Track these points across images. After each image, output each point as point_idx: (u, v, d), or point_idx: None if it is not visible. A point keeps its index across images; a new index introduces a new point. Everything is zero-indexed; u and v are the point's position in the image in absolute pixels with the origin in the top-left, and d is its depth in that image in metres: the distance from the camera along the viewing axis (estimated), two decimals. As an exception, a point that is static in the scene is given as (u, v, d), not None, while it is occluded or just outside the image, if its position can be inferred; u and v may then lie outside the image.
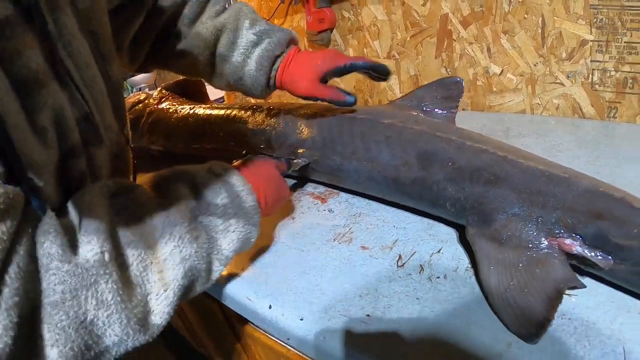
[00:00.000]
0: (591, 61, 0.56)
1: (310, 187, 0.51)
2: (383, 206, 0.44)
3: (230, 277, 0.38)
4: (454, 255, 0.36)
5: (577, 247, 0.30)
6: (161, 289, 0.25)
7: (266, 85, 0.45)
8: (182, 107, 0.60)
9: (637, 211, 0.30)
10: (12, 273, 0.19)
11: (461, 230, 0.38)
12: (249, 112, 0.54)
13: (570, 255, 0.30)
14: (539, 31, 0.57)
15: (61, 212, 0.24)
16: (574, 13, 0.55)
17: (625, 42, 0.53)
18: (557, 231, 0.31)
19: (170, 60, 0.47)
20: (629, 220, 0.29)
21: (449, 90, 0.46)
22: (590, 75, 0.57)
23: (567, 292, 0.30)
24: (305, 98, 0.44)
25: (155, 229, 0.26)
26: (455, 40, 0.64)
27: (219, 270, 0.30)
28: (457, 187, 0.36)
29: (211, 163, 0.33)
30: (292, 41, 0.45)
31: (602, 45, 0.55)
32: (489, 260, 0.32)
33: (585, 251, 0.30)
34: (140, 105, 0.62)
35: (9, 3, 0.21)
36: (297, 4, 0.73)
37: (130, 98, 0.65)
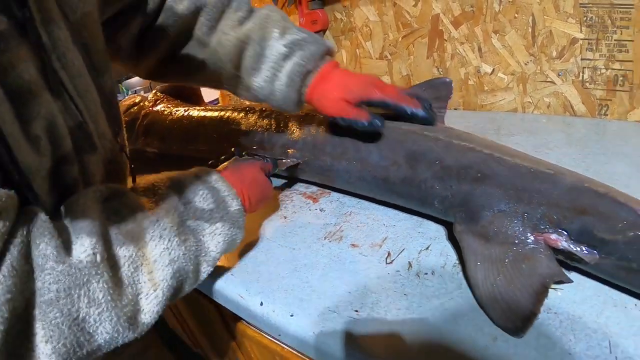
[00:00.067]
0: (582, 59, 0.57)
1: (302, 187, 0.51)
2: (374, 205, 0.45)
3: (223, 275, 0.38)
4: (442, 252, 0.36)
5: (562, 242, 0.30)
6: (151, 289, 0.26)
7: (298, 101, 0.42)
8: (177, 109, 0.61)
9: (622, 206, 0.30)
10: (5, 272, 0.19)
11: (449, 228, 0.38)
12: (242, 114, 0.54)
13: (556, 251, 0.31)
14: (530, 30, 0.58)
15: (55, 215, 0.25)
16: (563, 12, 0.55)
17: (615, 40, 0.54)
18: (542, 227, 0.31)
19: (192, 72, 0.44)
20: (614, 215, 0.30)
21: (438, 91, 0.46)
22: (580, 74, 0.58)
23: (554, 286, 0.31)
24: (330, 120, 0.42)
25: (145, 232, 0.27)
26: (446, 40, 0.65)
27: (206, 271, 0.31)
28: (444, 185, 0.36)
29: (198, 169, 0.34)
30: (327, 52, 0.42)
31: (593, 43, 0.56)
32: (476, 256, 0.32)
33: (571, 246, 0.30)
34: (136, 107, 0.63)
35: (3, 17, 0.22)
36: (290, 6, 0.74)
37: (126, 101, 0.66)
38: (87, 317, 0.22)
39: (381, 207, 0.44)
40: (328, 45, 0.42)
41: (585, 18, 0.55)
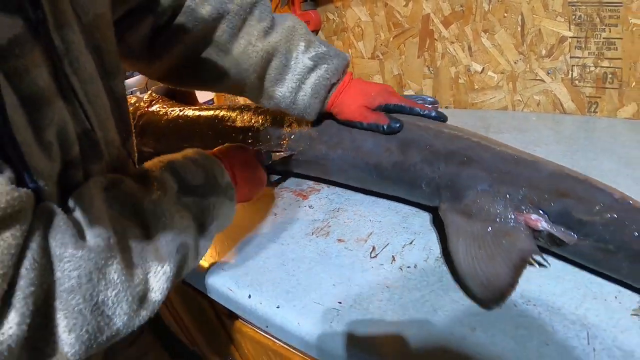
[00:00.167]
0: (570, 57, 0.57)
1: (293, 185, 0.52)
2: (361, 202, 0.46)
3: (215, 270, 0.39)
4: (425, 246, 0.37)
5: (542, 223, 0.31)
6: (158, 266, 0.27)
7: (320, 109, 0.44)
8: (172, 109, 0.62)
9: (599, 190, 0.32)
10: (28, 265, 0.20)
11: (435, 213, 0.39)
12: (236, 112, 0.56)
13: (536, 233, 0.32)
14: (519, 29, 0.59)
15: (63, 209, 0.25)
16: (552, 10, 0.56)
17: (604, 38, 0.55)
18: (523, 207, 0.32)
19: (210, 79, 0.44)
20: (592, 198, 0.31)
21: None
22: (570, 72, 0.58)
23: (532, 261, 0.32)
24: (349, 124, 0.44)
25: (146, 213, 0.28)
26: (437, 40, 0.65)
27: (205, 246, 0.32)
28: (432, 168, 0.38)
29: (187, 150, 0.35)
30: (347, 65, 0.44)
31: (581, 41, 0.56)
32: (459, 232, 0.33)
33: (551, 227, 0.31)
34: (131, 108, 0.64)
35: (19, 19, 0.21)
36: (283, 7, 0.75)
37: (123, 101, 0.67)
38: (105, 299, 0.23)
39: (368, 204, 0.45)
40: (348, 58, 0.44)
41: (574, 16, 0.55)
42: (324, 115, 0.46)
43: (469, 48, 0.63)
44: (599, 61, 0.56)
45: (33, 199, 0.22)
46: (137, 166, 0.38)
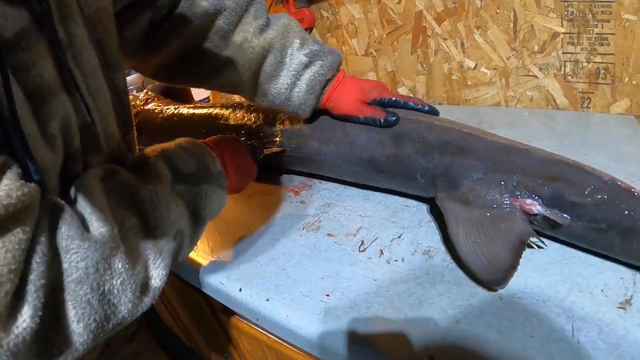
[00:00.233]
0: (563, 53, 0.57)
1: (285, 181, 0.53)
2: (351, 197, 0.46)
3: (207, 265, 0.40)
4: (413, 240, 0.37)
5: (537, 207, 0.33)
6: (157, 254, 0.27)
7: (315, 106, 0.45)
8: (167, 107, 0.63)
9: (589, 174, 0.33)
10: (37, 259, 0.20)
11: (432, 203, 0.40)
12: (230, 110, 0.56)
13: (531, 217, 0.33)
14: (511, 25, 0.59)
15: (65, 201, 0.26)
16: (544, 6, 0.56)
17: (596, 34, 0.55)
18: (518, 193, 0.34)
19: (204, 75, 0.44)
20: (582, 181, 0.32)
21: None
22: (562, 67, 0.58)
23: (530, 243, 0.33)
24: (345, 118, 0.44)
25: (143, 203, 0.28)
26: (430, 37, 0.66)
27: (199, 232, 0.33)
28: (426, 159, 0.39)
29: (179, 139, 0.35)
30: (340, 63, 0.45)
31: (574, 37, 0.56)
32: (457, 219, 0.34)
33: (545, 210, 0.32)
34: (128, 106, 0.65)
35: (25, 11, 0.21)
36: (278, 5, 0.75)
37: (119, 100, 0.68)
38: (111, 288, 0.23)
39: (359, 199, 0.45)
40: (341, 55, 0.45)
41: (566, 12, 0.55)
42: (317, 112, 0.47)
43: (462, 44, 0.63)
44: (592, 57, 0.56)
45: (39, 193, 0.22)
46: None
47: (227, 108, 0.57)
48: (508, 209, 0.33)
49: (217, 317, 0.50)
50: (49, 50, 0.24)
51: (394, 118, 0.42)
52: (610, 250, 0.31)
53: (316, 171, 0.50)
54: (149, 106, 0.64)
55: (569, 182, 0.33)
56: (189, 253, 0.33)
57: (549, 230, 0.34)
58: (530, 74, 0.60)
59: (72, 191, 0.26)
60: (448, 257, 0.35)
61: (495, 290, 0.31)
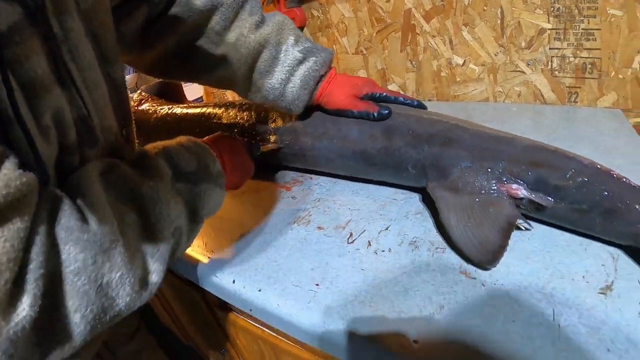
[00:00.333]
0: (550, 49, 0.59)
1: (277, 178, 0.54)
2: (341, 192, 0.47)
3: (202, 259, 0.41)
4: (400, 231, 0.39)
5: (522, 191, 0.34)
6: (155, 249, 0.28)
7: (308, 101, 0.45)
8: (161, 107, 0.63)
9: (570, 158, 0.35)
10: (37, 248, 0.20)
11: (424, 194, 0.42)
12: (222, 109, 0.57)
13: (517, 200, 0.35)
14: (499, 22, 0.60)
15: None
16: (531, 3, 0.57)
17: (582, 29, 0.56)
18: (504, 179, 0.35)
19: (200, 70, 0.44)
20: (564, 165, 0.34)
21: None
22: (549, 62, 0.60)
23: (518, 225, 0.35)
24: (339, 113, 0.45)
25: (143, 198, 0.29)
26: (418, 34, 0.67)
27: (196, 229, 0.33)
28: (417, 150, 0.40)
29: (181, 138, 0.36)
30: (332, 60, 0.46)
31: (560, 32, 0.58)
32: (448, 205, 0.36)
33: (530, 194, 0.34)
34: (122, 107, 0.66)
35: (18, 6, 0.22)
36: (269, 4, 0.76)
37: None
38: (109, 281, 0.24)
39: (348, 194, 0.47)
40: (333, 53, 0.47)
41: (552, 9, 0.57)
42: (309, 109, 0.48)
43: (450, 41, 0.64)
44: (578, 52, 0.57)
45: (37, 182, 0.22)
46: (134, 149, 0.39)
47: (220, 107, 0.58)
48: (495, 194, 0.35)
49: (214, 312, 0.51)
50: (43, 45, 0.24)
51: (386, 111, 0.43)
52: (592, 229, 0.33)
53: (310, 166, 0.51)
54: (143, 107, 0.65)
55: (551, 167, 0.34)
56: (186, 249, 0.34)
57: (534, 212, 0.35)
58: (518, 69, 0.62)
59: (72, 184, 0.26)
60: (433, 247, 0.36)
61: (487, 269, 0.33)
